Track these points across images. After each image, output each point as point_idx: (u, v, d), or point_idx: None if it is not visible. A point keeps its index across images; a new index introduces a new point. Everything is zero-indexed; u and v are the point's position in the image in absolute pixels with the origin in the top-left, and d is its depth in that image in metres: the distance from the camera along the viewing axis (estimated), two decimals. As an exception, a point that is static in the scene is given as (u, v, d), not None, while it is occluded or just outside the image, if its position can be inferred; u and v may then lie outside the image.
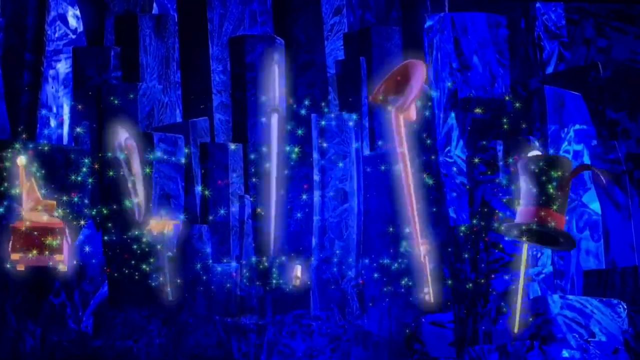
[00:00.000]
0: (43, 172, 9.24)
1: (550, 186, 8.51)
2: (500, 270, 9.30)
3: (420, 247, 9.45)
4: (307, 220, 9.76)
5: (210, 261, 9.59)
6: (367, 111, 10.30)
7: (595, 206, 9.92)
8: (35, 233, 8.74)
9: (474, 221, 9.37)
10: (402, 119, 9.45)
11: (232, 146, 9.77)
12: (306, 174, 9.82)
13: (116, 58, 10.09)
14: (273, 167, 9.70)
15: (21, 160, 8.97)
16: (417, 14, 10.64)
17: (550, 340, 8.91)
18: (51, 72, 10.23)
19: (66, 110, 10.24)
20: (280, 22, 10.56)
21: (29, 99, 10.05)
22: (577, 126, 10.00)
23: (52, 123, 10.17)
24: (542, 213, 8.60)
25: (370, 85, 10.26)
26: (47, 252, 8.73)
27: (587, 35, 10.60)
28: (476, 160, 9.46)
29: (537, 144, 9.12)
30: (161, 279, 9.10)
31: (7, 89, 9.95)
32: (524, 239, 8.72)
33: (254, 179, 9.74)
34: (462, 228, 9.35)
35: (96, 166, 9.42)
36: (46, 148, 9.47)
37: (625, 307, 9.18)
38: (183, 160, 9.64)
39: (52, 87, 10.22)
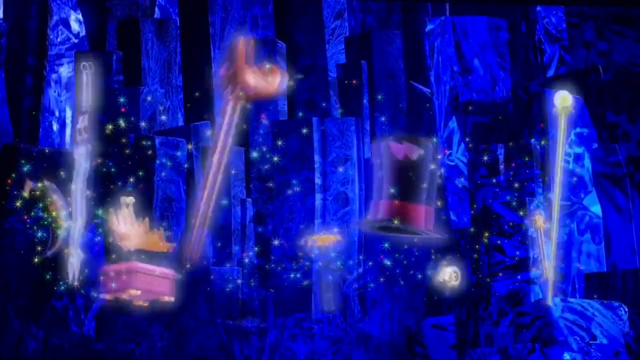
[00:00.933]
0: (45, 175, 9.26)
1: (411, 174, 8.02)
2: (502, 273, 9.32)
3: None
4: (308, 223, 9.78)
5: (212, 264, 9.61)
6: (369, 114, 10.33)
7: (596, 209, 9.93)
8: (150, 278, 9.01)
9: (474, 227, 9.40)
10: (238, 92, 8.97)
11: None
12: (307, 177, 9.84)
13: (118, 62, 10.11)
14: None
15: (130, 200, 9.07)
16: (418, 18, 10.67)
17: (551, 343, 8.91)
18: (53, 76, 10.26)
19: (68, 114, 10.27)
20: (282, 25, 10.59)
21: (32, 102, 10.08)
22: (578, 129, 10.01)
23: (55, 127, 10.21)
24: (399, 207, 8.13)
25: (371, 87, 10.31)
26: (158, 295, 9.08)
27: (587, 38, 10.62)
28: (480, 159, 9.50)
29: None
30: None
31: (9, 92, 9.98)
32: (383, 232, 8.27)
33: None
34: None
35: (98, 159, 9.39)
36: (47, 151, 9.49)
37: (626, 309, 9.18)
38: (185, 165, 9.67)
39: (55, 91, 10.25)
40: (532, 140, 9.70)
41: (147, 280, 8.98)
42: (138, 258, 9.04)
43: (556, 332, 8.92)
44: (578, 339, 8.94)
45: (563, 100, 8.84)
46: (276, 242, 9.59)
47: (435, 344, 9.51)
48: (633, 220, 9.90)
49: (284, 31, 10.56)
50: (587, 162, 9.98)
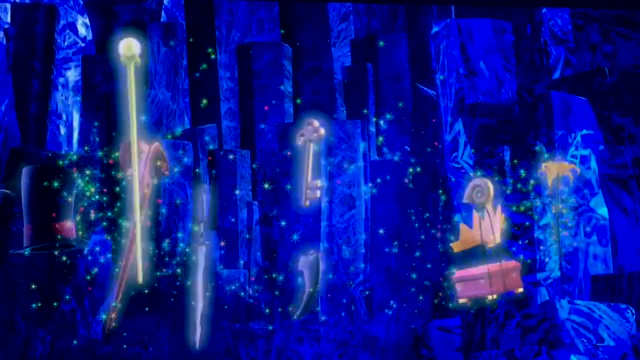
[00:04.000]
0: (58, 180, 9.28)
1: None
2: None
3: None
4: (314, 226, 9.79)
5: (220, 267, 9.63)
6: (374, 117, 10.34)
7: (603, 211, 9.92)
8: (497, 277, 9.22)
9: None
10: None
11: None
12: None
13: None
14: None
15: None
16: (423, 21, 10.68)
17: (558, 345, 8.90)
18: (61, 80, 10.30)
19: (76, 118, 10.31)
20: (287, 29, 10.61)
21: (39, 106, 10.12)
22: (584, 131, 10.00)
23: (62, 130, 10.25)
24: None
25: (376, 90, 10.33)
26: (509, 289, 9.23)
27: (592, 40, 10.61)
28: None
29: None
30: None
31: (17, 97, 10.02)
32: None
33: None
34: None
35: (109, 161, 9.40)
36: (54, 155, 9.53)
37: (633, 311, 9.17)
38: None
39: (62, 95, 10.29)
40: (538, 142, 9.70)
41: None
42: None
43: (563, 335, 8.91)
44: (585, 341, 8.93)
45: (128, 48, 8.51)
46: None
47: (442, 346, 9.50)
48: (639, 222, 9.90)
49: (289, 34, 10.58)
50: (594, 164, 9.97)
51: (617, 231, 9.94)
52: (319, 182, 9.36)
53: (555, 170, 9.50)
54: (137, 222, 8.74)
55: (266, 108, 9.88)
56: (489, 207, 9.34)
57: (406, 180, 9.83)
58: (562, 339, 8.89)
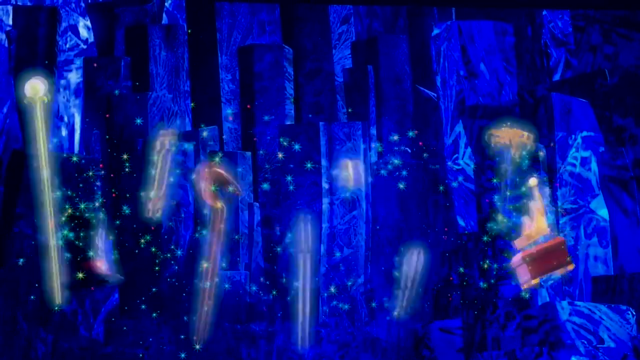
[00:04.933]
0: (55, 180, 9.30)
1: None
2: (509, 276, 9.31)
3: None
4: (315, 228, 9.80)
5: (221, 268, 9.63)
6: (375, 118, 10.35)
7: (603, 212, 9.92)
8: (545, 256, 9.07)
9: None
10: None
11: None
12: (314, 181, 9.86)
13: (126, 68, 10.16)
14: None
15: (534, 181, 9.03)
16: (424, 23, 10.69)
17: (558, 347, 8.90)
18: (62, 82, 10.32)
19: (77, 120, 10.33)
20: (289, 31, 10.62)
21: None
22: (585, 133, 10.01)
23: (64, 132, 10.26)
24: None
25: (377, 92, 10.34)
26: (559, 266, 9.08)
27: (593, 42, 10.62)
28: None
29: None
30: None
31: (19, 99, 10.02)
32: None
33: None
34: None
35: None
36: (56, 156, 9.54)
37: (634, 313, 9.16)
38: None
39: (64, 97, 10.30)
40: (539, 144, 9.70)
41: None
42: None
43: (563, 336, 8.91)
44: (585, 342, 8.92)
45: (33, 89, 8.62)
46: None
47: (443, 347, 9.50)
48: (640, 223, 9.91)
49: (290, 36, 10.60)
50: (594, 165, 9.98)
51: (618, 232, 9.95)
52: (158, 199, 9.21)
53: (508, 137, 9.43)
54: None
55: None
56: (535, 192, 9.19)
57: (406, 182, 9.84)
58: (563, 340, 8.89)
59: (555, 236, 9.25)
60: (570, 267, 9.23)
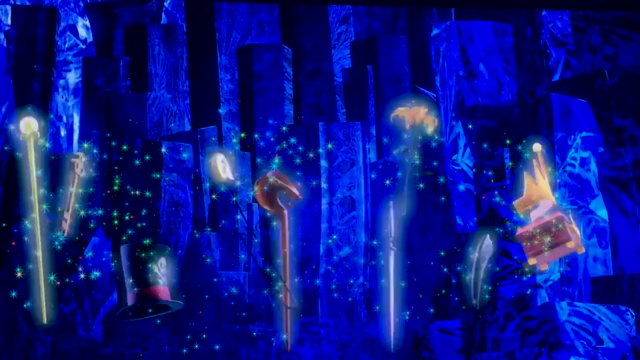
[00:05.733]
0: (52, 180, 9.29)
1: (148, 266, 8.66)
2: (508, 277, 9.31)
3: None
4: (314, 228, 9.79)
5: (218, 268, 9.63)
6: (374, 119, 10.34)
7: (603, 213, 9.92)
8: (540, 233, 8.63)
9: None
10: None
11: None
12: (313, 181, 9.86)
13: (125, 68, 10.15)
14: None
15: (537, 147, 8.52)
16: (423, 23, 10.69)
17: (558, 347, 8.90)
18: (61, 81, 10.31)
19: (76, 120, 10.32)
20: (288, 31, 10.62)
21: (39, 108, 10.12)
22: (584, 133, 10.01)
23: (62, 132, 10.25)
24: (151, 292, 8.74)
25: (377, 93, 10.34)
26: (556, 244, 8.61)
27: (593, 42, 10.62)
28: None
29: None
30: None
31: (17, 99, 10.02)
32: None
33: None
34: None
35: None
36: (54, 157, 9.54)
37: (633, 313, 9.17)
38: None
39: (62, 97, 10.29)
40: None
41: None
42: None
43: (563, 337, 8.91)
44: (585, 343, 8.93)
45: (27, 126, 8.76)
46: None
47: (442, 348, 9.50)
48: (639, 224, 9.90)
49: (290, 36, 10.59)
50: (594, 166, 9.98)
51: (617, 233, 9.95)
52: (68, 216, 9.16)
53: (412, 116, 9.40)
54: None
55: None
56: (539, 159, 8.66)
57: (405, 182, 9.84)
58: (562, 341, 8.89)
59: (556, 211, 8.81)
60: (576, 247, 8.75)
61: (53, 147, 10.01)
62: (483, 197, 9.35)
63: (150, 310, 8.87)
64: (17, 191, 9.21)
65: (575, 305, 9.11)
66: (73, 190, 9.04)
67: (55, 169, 9.20)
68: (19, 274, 8.93)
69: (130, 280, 8.68)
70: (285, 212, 9.24)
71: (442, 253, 9.71)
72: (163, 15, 10.68)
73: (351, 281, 9.75)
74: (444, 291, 9.56)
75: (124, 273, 8.75)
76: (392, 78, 10.41)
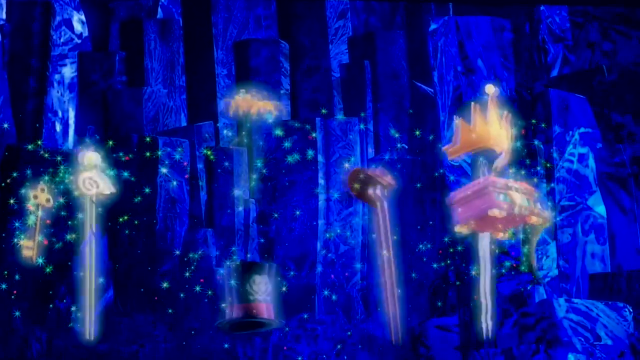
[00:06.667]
0: (48, 176, 9.26)
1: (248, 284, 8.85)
2: (506, 274, 9.31)
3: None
4: (311, 224, 9.77)
5: (215, 265, 9.61)
6: (372, 114, 10.31)
7: (601, 209, 9.91)
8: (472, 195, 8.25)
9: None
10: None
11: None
12: (310, 177, 9.83)
13: (121, 62, 10.12)
14: None
15: (490, 88, 7.89)
16: (421, 18, 10.66)
17: (556, 344, 8.90)
18: (57, 76, 10.26)
19: (71, 115, 10.28)
20: (285, 26, 10.58)
21: (35, 103, 10.09)
22: (582, 129, 9.99)
23: (58, 127, 10.21)
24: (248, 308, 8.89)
25: (374, 89, 10.30)
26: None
27: (591, 38, 10.59)
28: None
29: None
30: None
31: (13, 94, 9.98)
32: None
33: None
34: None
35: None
36: (50, 152, 9.50)
37: (631, 310, 9.17)
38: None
39: (58, 92, 10.25)
40: (535, 141, 9.69)
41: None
42: None
43: (560, 333, 8.91)
44: (582, 339, 8.93)
45: (89, 160, 8.75)
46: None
47: (440, 345, 9.49)
48: (638, 220, 9.88)
49: (287, 31, 10.55)
50: (592, 162, 9.97)
51: (615, 230, 9.94)
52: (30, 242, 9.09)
53: (246, 105, 9.41)
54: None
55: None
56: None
57: (403, 179, 9.82)
58: (560, 338, 8.89)
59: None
60: (537, 222, 8.20)
61: (48, 142, 9.98)
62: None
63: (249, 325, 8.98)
64: (13, 186, 9.19)
65: (573, 302, 9.10)
66: (37, 220, 9.00)
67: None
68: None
69: (235, 296, 8.86)
70: (384, 204, 9.12)
71: (440, 250, 9.70)
72: (159, 9, 10.64)
73: (348, 276, 9.74)
74: (444, 285, 9.55)
75: (230, 288, 8.90)
76: (390, 73, 10.38)
